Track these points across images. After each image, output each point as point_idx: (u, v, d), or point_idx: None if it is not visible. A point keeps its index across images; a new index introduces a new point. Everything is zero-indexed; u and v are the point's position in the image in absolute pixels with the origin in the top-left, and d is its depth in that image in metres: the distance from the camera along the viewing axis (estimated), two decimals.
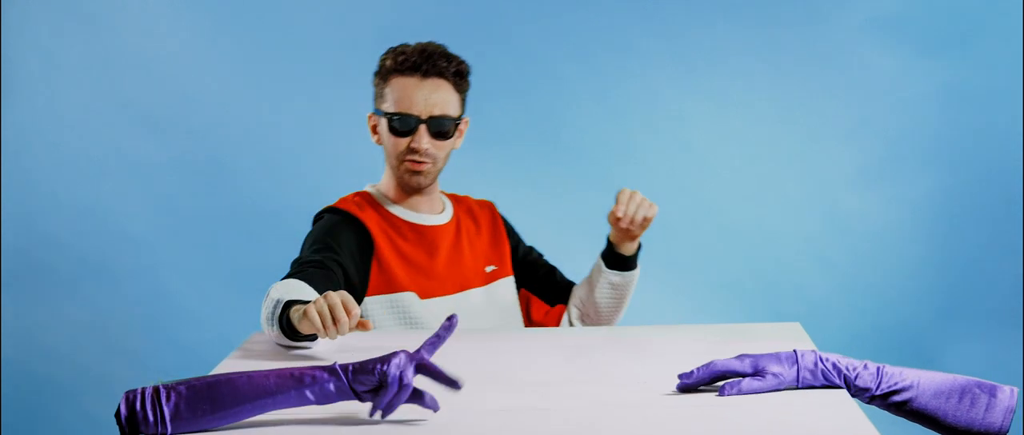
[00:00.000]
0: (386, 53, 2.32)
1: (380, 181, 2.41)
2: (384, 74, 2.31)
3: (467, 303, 2.36)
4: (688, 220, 3.71)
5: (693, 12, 3.74)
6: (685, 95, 3.76)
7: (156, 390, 1.47)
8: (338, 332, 1.78)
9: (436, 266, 2.34)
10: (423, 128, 2.27)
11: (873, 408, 1.71)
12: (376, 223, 2.32)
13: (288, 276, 2.14)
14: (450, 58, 2.30)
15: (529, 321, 2.51)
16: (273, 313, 1.91)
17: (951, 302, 3.74)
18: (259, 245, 3.64)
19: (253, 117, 3.70)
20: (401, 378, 1.49)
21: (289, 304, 1.90)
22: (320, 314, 1.78)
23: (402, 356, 1.50)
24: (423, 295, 2.30)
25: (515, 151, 3.74)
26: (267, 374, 1.50)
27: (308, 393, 1.48)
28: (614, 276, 2.40)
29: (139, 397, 1.47)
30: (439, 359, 1.56)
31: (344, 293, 1.82)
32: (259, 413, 1.49)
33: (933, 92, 3.72)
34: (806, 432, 1.51)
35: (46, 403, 3.66)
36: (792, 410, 1.58)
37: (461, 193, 2.53)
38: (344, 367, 1.50)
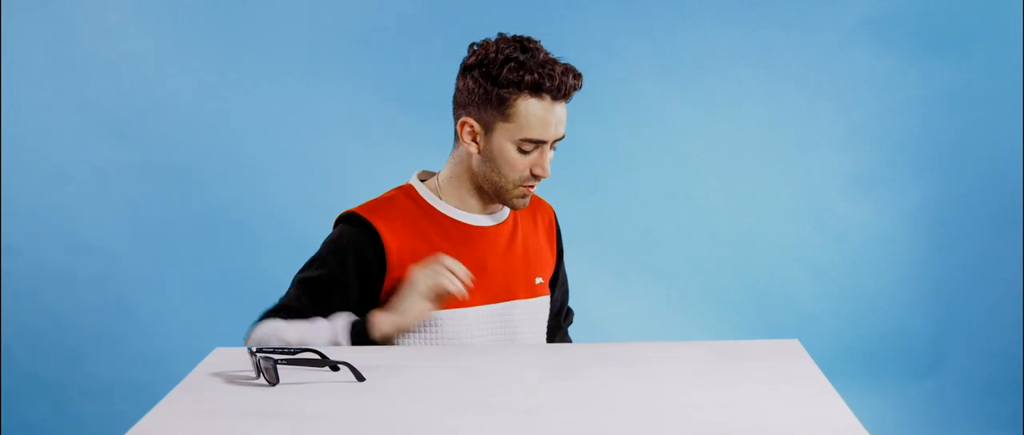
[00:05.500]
0: (514, 61, 2.06)
1: (440, 175, 2.21)
2: (511, 85, 2.06)
3: (510, 315, 2.20)
4: (676, 228, 3.67)
5: (681, 13, 3.69)
6: (673, 99, 3.71)
7: None
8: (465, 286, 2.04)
9: (481, 272, 2.16)
10: (548, 153, 2.12)
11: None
12: (406, 229, 2.14)
13: (282, 309, 2.12)
14: (578, 77, 2.12)
15: None
16: (336, 338, 2.05)
17: (947, 311, 3.71)
18: (226, 254, 3.59)
19: (220, 122, 3.64)
20: None
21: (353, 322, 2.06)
22: (448, 282, 2.03)
23: None
24: (459, 303, 2.13)
25: None
26: None
27: None
28: None
29: None
30: (407, 379, 1.44)
31: (440, 261, 2.04)
32: None
33: (928, 96, 3.70)
34: None
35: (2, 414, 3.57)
36: None
37: None
38: None
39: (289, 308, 2.11)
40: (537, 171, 2.11)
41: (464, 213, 2.19)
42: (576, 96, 2.13)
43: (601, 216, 3.62)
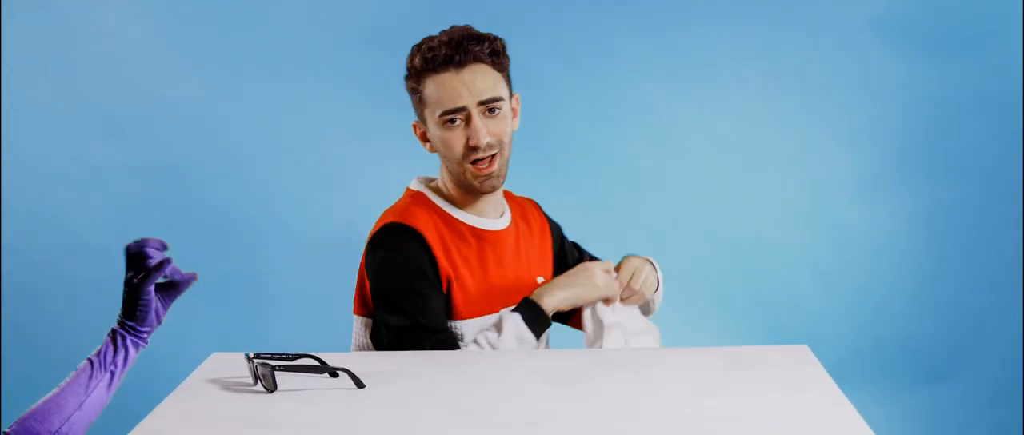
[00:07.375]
0: (413, 53, 2.17)
1: (438, 178, 2.24)
2: (416, 76, 2.16)
3: None
4: (680, 231, 3.63)
5: (685, 11, 3.65)
6: (676, 98, 3.67)
7: None
8: None
9: (498, 278, 2.19)
10: (476, 119, 2.11)
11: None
12: (437, 236, 2.15)
13: (434, 335, 2.12)
14: (481, 39, 2.16)
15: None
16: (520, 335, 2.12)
17: (957, 316, 3.67)
18: (224, 256, 3.54)
19: (219, 123, 3.60)
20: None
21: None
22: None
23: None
24: (478, 311, 2.15)
25: None
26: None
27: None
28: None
29: None
30: (408, 386, 1.41)
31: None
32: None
33: (938, 97, 3.65)
34: None
35: None
36: None
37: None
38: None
39: (433, 329, 2.10)
40: (472, 142, 2.12)
41: (479, 218, 2.21)
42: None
43: (603, 217, 3.58)
